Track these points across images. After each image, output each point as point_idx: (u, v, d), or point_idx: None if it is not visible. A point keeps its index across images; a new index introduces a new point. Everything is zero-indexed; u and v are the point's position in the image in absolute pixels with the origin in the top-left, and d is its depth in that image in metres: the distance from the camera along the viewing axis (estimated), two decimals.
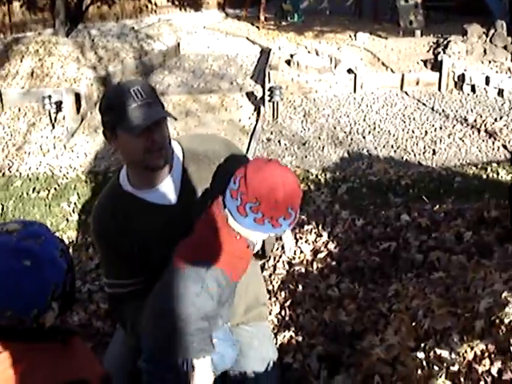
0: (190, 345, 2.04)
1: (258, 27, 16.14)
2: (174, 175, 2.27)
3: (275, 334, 3.69)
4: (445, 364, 2.51)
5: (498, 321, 2.57)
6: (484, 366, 2.39)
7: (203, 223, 2.12)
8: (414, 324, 3.06)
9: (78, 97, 11.77)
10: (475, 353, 2.48)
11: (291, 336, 3.68)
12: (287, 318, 3.91)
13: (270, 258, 4.76)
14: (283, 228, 2.00)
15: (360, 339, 3.35)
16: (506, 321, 2.52)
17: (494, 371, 2.34)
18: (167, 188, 2.26)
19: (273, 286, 4.36)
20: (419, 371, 2.58)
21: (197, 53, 14.82)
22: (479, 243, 4.00)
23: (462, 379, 2.38)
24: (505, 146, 9.03)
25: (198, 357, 2.06)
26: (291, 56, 12.81)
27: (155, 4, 17.50)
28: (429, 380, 2.46)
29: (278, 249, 4.91)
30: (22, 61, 13.21)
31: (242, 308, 2.44)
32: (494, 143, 9.16)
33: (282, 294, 4.20)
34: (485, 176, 6.61)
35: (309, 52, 13.24)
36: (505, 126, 9.65)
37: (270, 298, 4.14)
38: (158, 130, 2.11)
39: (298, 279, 4.33)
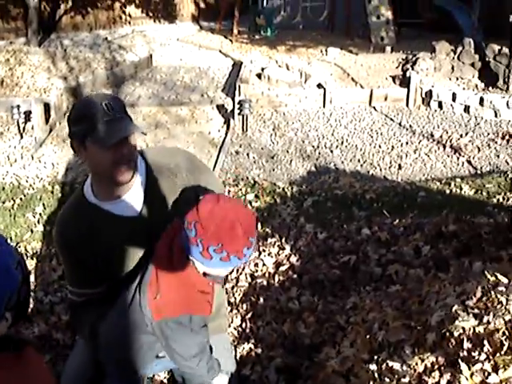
0: (205, 376, 2.36)
1: (231, 40, 16.19)
2: (137, 187, 2.30)
3: (235, 346, 3.71)
4: (396, 376, 2.55)
5: (448, 334, 2.61)
6: (434, 378, 2.43)
7: (167, 270, 2.16)
8: (369, 336, 3.10)
9: (47, 107, 11.67)
10: (426, 365, 2.52)
11: (251, 348, 3.71)
12: (247, 331, 3.94)
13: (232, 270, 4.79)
14: (248, 256, 2.07)
15: (318, 351, 3.39)
16: (456, 334, 2.57)
17: (444, 383, 2.38)
18: (131, 200, 2.30)
19: (235, 298, 4.39)
20: (371, 383, 2.61)
21: (169, 65, 14.81)
22: (437, 257, 4.07)
23: None
24: (469, 162, 9.16)
25: (212, 378, 2.43)
26: (262, 70, 12.87)
27: (129, 15, 17.46)
28: None
29: None
30: None
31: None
32: (458, 159, 9.29)
33: (244, 306, 4.22)
34: (448, 191, 6.70)
35: (280, 66, 13.32)
36: (470, 141, 9.79)
37: (231, 311, 4.17)
38: (126, 144, 2.15)
39: (260, 292, 4.36)
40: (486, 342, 2.42)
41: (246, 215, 2.05)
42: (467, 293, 2.91)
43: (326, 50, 14.07)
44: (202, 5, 18.98)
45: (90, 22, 16.71)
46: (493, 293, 2.72)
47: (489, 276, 2.93)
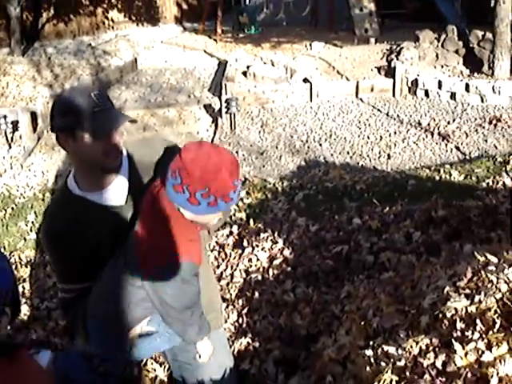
0: (193, 332, 2.28)
1: (215, 40, 16.21)
2: (121, 177, 2.32)
3: (233, 342, 3.73)
4: (392, 360, 2.57)
5: (441, 315, 2.63)
6: (429, 359, 2.45)
7: (154, 220, 2.16)
8: (364, 323, 3.12)
9: (34, 116, 11.67)
10: (420, 347, 2.54)
11: (248, 342, 3.73)
12: (244, 325, 3.96)
13: (225, 268, 4.81)
14: (234, 200, 2.06)
15: (315, 341, 3.42)
16: (449, 315, 2.59)
17: (439, 364, 2.39)
18: (116, 190, 2.32)
19: (230, 294, 4.41)
20: (368, 368, 2.63)
21: (154, 67, 14.82)
22: (427, 242, 4.10)
23: (407, 373, 2.42)
24: (457, 148, 9.22)
25: (201, 338, 2.33)
26: (247, 67, 12.90)
27: (112, 20, 17.45)
28: (376, 376, 2.50)
29: (235, 257, 4.96)
30: None
31: None
32: (447, 145, 9.34)
33: (240, 301, 4.25)
34: (438, 178, 6.71)
35: (265, 63, 13.35)
36: (457, 128, 9.85)
37: (227, 307, 4.19)
38: (116, 134, 2.19)
39: (255, 286, 4.39)
40: (478, 321, 2.44)
41: (229, 158, 2.03)
42: (458, 274, 2.93)
43: (311, 45, 14.11)
44: (185, 6, 18.97)
45: (73, 28, 16.69)
46: (483, 273, 2.74)
47: (479, 257, 2.95)
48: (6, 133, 11.23)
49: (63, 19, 16.42)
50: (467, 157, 8.82)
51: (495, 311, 2.46)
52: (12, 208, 8.44)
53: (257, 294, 4.25)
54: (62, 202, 2.40)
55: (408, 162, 8.93)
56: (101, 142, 2.14)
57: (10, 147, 11.24)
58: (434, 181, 6.60)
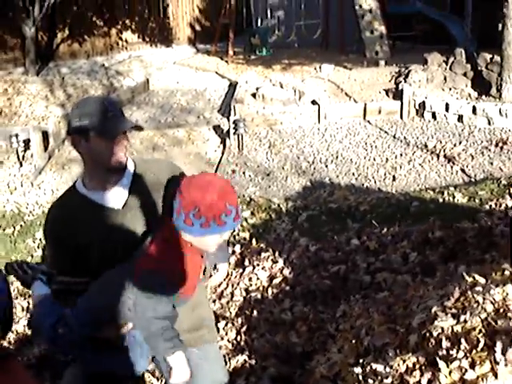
0: (160, 344, 2.24)
1: (226, 61, 16.36)
2: (124, 183, 2.53)
3: (229, 359, 3.79)
4: (379, 377, 2.62)
5: (428, 334, 2.68)
6: (415, 377, 2.50)
7: (158, 241, 2.27)
8: (356, 342, 3.18)
9: (45, 135, 11.84)
10: (407, 365, 2.59)
11: (245, 360, 3.78)
12: (242, 343, 4.02)
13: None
14: (230, 224, 2.15)
15: (310, 359, 3.47)
16: (435, 334, 2.64)
17: (424, 382, 2.45)
18: (116, 193, 2.51)
19: (230, 312, 4.48)
20: None
21: (166, 88, 14.98)
22: (423, 263, 4.15)
23: None
24: (463, 170, 9.24)
25: (169, 353, 2.25)
26: (257, 89, 13.02)
27: (126, 41, 17.70)
28: None
29: (236, 276, 5.03)
30: None
31: (185, 325, 2.52)
32: (452, 168, 9.37)
33: (239, 319, 4.31)
34: (441, 200, 6.74)
35: (274, 85, 13.46)
36: (463, 150, 9.87)
37: (226, 324, 4.25)
38: (124, 137, 2.46)
39: (254, 305, 4.45)
40: (463, 340, 2.49)
41: (220, 182, 2.16)
42: (447, 295, 2.98)
43: (320, 67, 14.20)
44: (198, 27, 19.21)
45: (88, 49, 16.95)
46: (470, 293, 2.79)
47: (467, 277, 3.00)
48: (17, 151, 11.42)
49: (78, 40, 16.70)
50: (472, 179, 8.83)
51: (480, 330, 2.51)
52: (21, 225, 8.56)
53: (256, 312, 4.31)
54: (65, 198, 2.61)
55: (413, 184, 8.96)
56: (112, 142, 2.40)
57: (22, 165, 11.40)
58: (437, 203, 6.63)
